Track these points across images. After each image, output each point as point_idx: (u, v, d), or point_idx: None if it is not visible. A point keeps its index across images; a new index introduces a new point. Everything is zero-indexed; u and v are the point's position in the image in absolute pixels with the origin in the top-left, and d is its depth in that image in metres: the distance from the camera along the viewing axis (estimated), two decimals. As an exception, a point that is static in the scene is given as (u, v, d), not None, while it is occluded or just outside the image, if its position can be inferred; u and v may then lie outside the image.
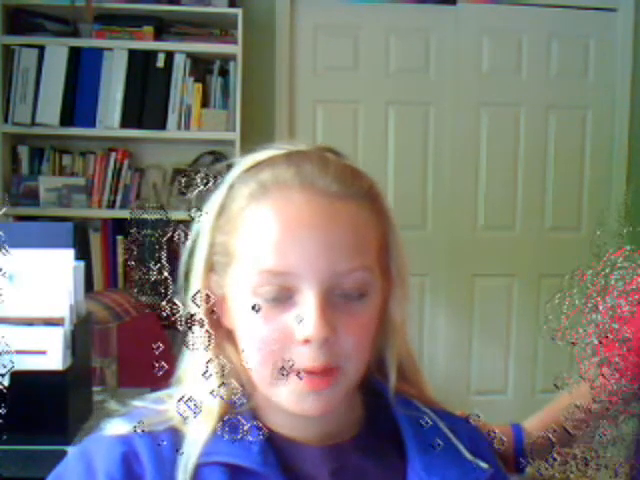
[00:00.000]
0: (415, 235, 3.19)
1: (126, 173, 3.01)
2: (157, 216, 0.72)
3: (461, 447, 0.75)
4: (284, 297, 0.67)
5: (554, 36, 3.37)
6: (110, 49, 2.93)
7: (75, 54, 2.91)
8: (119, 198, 2.98)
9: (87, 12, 2.87)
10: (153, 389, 0.76)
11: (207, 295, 0.70)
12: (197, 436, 0.68)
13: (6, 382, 0.69)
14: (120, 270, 3.00)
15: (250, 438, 0.68)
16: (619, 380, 0.76)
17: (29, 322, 1.32)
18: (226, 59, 3.04)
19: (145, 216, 0.72)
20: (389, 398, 0.77)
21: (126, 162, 3.02)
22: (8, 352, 0.69)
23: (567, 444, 0.75)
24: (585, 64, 3.41)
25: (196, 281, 0.71)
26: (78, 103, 2.92)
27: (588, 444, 0.75)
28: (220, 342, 0.71)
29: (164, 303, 0.68)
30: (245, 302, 0.68)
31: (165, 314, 0.68)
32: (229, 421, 0.69)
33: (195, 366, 0.70)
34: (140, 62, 2.94)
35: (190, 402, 0.68)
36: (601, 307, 0.75)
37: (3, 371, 0.69)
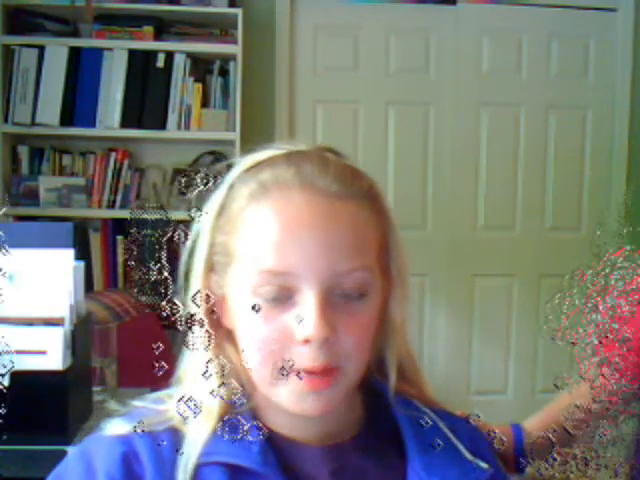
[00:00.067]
0: (415, 235, 3.19)
1: (126, 173, 3.01)
2: (157, 216, 0.72)
3: (461, 447, 0.75)
4: (284, 297, 0.67)
5: (554, 36, 3.37)
6: (110, 49, 2.93)
7: (75, 54, 2.91)
8: (119, 198, 2.98)
9: (87, 12, 2.87)
10: (153, 389, 0.76)
11: (207, 295, 0.70)
12: (197, 436, 0.68)
13: (6, 382, 0.69)
14: (120, 270, 3.00)
15: (250, 438, 0.68)
16: (619, 380, 0.76)
17: (29, 322, 1.32)
18: (226, 59, 3.04)
19: (145, 216, 0.72)
20: (389, 398, 0.77)
21: (126, 162, 3.02)
22: (8, 352, 0.69)
23: (567, 444, 0.75)
24: (585, 64, 3.41)
25: (196, 281, 0.71)
26: (78, 103, 2.92)
27: (588, 444, 0.75)
28: (220, 342, 0.71)
29: (164, 303, 0.68)
30: (245, 302, 0.67)
31: (165, 314, 0.68)
32: (229, 421, 0.69)
33: (195, 366, 0.70)
34: (140, 62, 2.94)
35: (190, 402, 0.68)
36: (601, 307, 0.75)
37: (3, 371, 0.69)
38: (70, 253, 1.41)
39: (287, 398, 0.68)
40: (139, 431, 0.69)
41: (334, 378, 0.67)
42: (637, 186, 3.21)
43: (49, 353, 1.31)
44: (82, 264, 1.47)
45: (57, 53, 2.89)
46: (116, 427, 0.70)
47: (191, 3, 2.97)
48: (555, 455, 0.73)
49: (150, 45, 2.96)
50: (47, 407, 1.32)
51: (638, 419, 0.95)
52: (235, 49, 2.96)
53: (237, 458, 0.67)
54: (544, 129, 3.41)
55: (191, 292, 0.70)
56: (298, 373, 0.66)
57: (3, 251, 0.66)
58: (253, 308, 0.67)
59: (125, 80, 2.92)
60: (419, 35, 3.32)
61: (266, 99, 3.20)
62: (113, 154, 3.01)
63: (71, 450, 0.74)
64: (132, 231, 0.71)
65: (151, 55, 2.95)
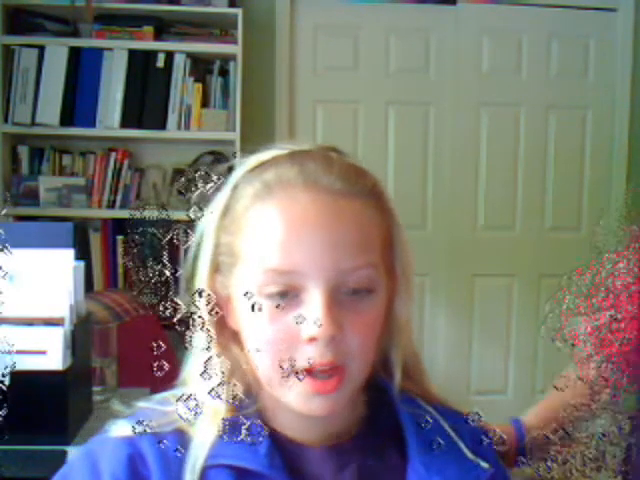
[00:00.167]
0: (415, 235, 3.19)
1: (126, 173, 3.01)
2: (158, 216, 0.72)
3: (462, 446, 0.75)
4: (290, 296, 0.67)
5: (554, 36, 3.37)
6: (110, 49, 2.93)
7: (75, 54, 2.91)
8: (119, 198, 2.98)
9: (87, 12, 2.87)
10: (153, 389, 0.76)
11: (212, 296, 0.70)
12: (204, 438, 0.68)
13: (6, 382, 0.69)
14: (120, 270, 3.00)
15: (256, 440, 0.68)
16: (619, 380, 0.76)
17: (29, 322, 1.32)
18: (226, 59, 3.04)
19: (146, 216, 0.72)
20: (393, 395, 0.77)
21: (126, 162, 3.02)
22: (9, 352, 0.69)
23: (565, 441, 0.75)
24: (585, 64, 3.41)
25: (201, 282, 0.71)
26: (78, 103, 2.92)
27: (588, 444, 0.75)
28: (226, 343, 0.71)
29: (166, 303, 0.68)
30: (251, 302, 0.67)
31: (167, 314, 0.68)
32: (235, 423, 0.68)
33: (200, 367, 0.70)
34: (140, 62, 2.94)
35: (195, 403, 0.68)
36: (601, 307, 0.75)
37: (4, 371, 0.69)
38: (70, 253, 1.41)
39: (295, 399, 0.68)
40: (145, 432, 0.68)
41: (340, 381, 0.67)
42: (637, 186, 3.21)
43: (49, 353, 1.31)
44: (82, 264, 1.47)
45: (57, 53, 2.89)
46: (121, 428, 0.70)
47: (191, 3, 2.97)
48: (555, 454, 0.73)
49: (150, 45, 2.96)
50: (47, 407, 1.32)
51: (637, 419, 0.95)
52: (235, 49, 2.96)
53: (244, 461, 0.67)
54: (544, 129, 3.41)
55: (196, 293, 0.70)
56: (305, 374, 0.66)
57: (5, 251, 0.66)
58: (252, 308, 0.67)
59: (125, 80, 2.92)
60: (419, 35, 3.32)
61: (266, 99, 3.20)
62: (113, 154, 3.01)
63: (72, 450, 0.74)
64: (133, 231, 0.71)
65: (151, 55, 2.95)
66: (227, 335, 0.72)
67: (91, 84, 2.92)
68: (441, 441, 0.73)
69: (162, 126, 2.95)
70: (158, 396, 0.75)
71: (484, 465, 0.74)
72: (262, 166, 0.71)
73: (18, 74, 2.88)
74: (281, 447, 0.70)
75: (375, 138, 3.31)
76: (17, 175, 2.97)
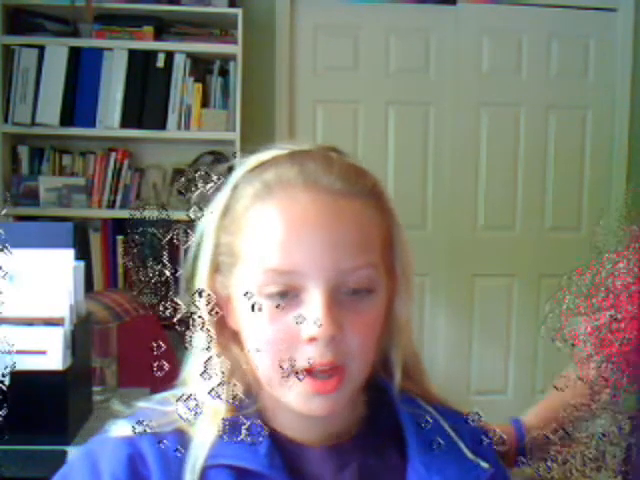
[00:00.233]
0: (415, 235, 3.19)
1: (126, 173, 3.01)
2: (158, 216, 0.72)
3: (463, 446, 0.75)
4: (290, 296, 0.67)
5: (554, 36, 3.37)
6: (110, 49, 2.93)
7: (75, 54, 2.91)
8: (119, 198, 2.98)
9: (87, 12, 2.87)
10: (153, 389, 0.76)
11: (212, 296, 0.70)
12: (204, 438, 0.68)
13: (6, 382, 0.69)
14: (120, 270, 3.00)
15: (256, 440, 0.68)
16: (619, 380, 0.76)
17: (29, 322, 1.32)
18: (226, 59, 3.04)
19: (146, 216, 0.72)
20: (393, 395, 0.77)
21: (126, 162, 3.02)
22: (10, 352, 0.69)
23: (565, 441, 0.75)
24: (585, 64, 3.41)
25: (201, 282, 0.71)
26: (78, 103, 2.92)
27: (588, 444, 0.75)
28: (226, 343, 0.71)
29: (166, 303, 0.68)
30: (251, 302, 0.67)
31: (167, 314, 0.68)
32: (235, 423, 0.68)
33: (200, 367, 0.70)
34: (140, 62, 2.94)
35: (195, 403, 0.68)
36: (601, 307, 0.75)
37: (4, 371, 0.69)
38: (70, 253, 1.41)
39: (295, 399, 0.68)
40: (145, 432, 0.68)
41: (340, 381, 0.67)
42: (637, 186, 3.21)
43: (49, 353, 1.31)
44: (82, 264, 1.47)
45: (57, 53, 2.89)
46: (121, 428, 0.70)
47: (191, 3, 2.97)
48: (555, 454, 0.73)
49: (150, 45, 2.96)
50: (47, 407, 1.32)
51: (637, 419, 0.95)
52: (235, 49, 2.96)
53: (244, 461, 0.67)
54: (544, 129, 3.41)
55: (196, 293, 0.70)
56: (305, 374, 0.66)
57: (5, 251, 0.66)
58: (252, 308, 0.67)
59: (125, 80, 2.92)
60: (419, 35, 3.32)
61: (266, 99, 3.20)
62: (113, 154, 3.01)
63: (72, 450, 0.74)
64: (133, 231, 0.71)
65: (151, 55, 2.95)
66: (227, 335, 0.71)
67: (91, 84, 2.92)
68: (441, 441, 0.73)
69: (162, 126, 2.95)
70: (158, 396, 0.75)
71: (484, 465, 0.74)
72: (262, 166, 0.71)
73: (18, 74, 2.88)
74: (281, 447, 0.70)
75: (375, 138, 3.31)
76: (17, 175, 2.97)
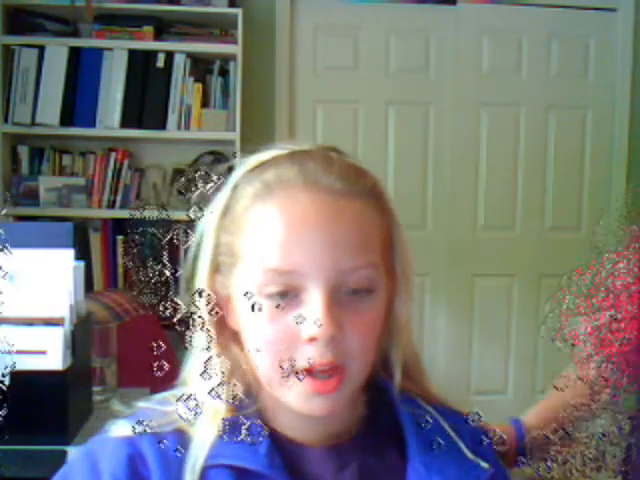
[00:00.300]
0: (415, 235, 3.19)
1: (126, 173, 3.01)
2: (158, 216, 0.72)
3: (463, 446, 0.75)
4: (290, 296, 0.67)
5: (554, 36, 3.37)
6: (110, 49, 2.93)
7: (75, 54, 2.91)
8: (119, 198, 2.98)
9: (87, 12, 2.87)
10: (153, 389, 0.76)
11: (212, 296, 0.70)
12: (204, 438, 0.68)
13: (6, 382, 0.69)
14: (120, 270, 3.00)
15: (256, 440, 0.68)
16: (619, 380, 0.76)
17: (29, 322, 1.32)
18: (226, 59, 3.04)
19: (146, 216, 0.72)
20: (392, 396, 0.77)
21: (126, 162, 3.02)
22: (10, 352, 0.69)
23: (565, 441, 0.75)
24: (585, 64, 3.41)
25: (201, 282, 0.71)
26: (78, 103, 2.92)
27: (588, 444, 0.75)
28: (226, 343, 0.71)
29: (166, 303, 0.68)
30: (251, 302, 0.67)
31: (167, 314, 0.68)
32: (235, 423, 0.68)
33: (201, 367, 0.70)
34: (140, 62, 2.94)
35: (195, 403, 0.68)
36: (601, 307, 0.75)
37: (4, 371, 0.69)
38: (70, 253, 1.41)
39: (295, 399, 0.68)
40: (145, 432, 0.68)
41: (340, 381, 0.67)
42: (637, 185, 3.21)
43: (49, 353, 1.31)
44: (82, 264, 1.47)
45: (57, 53, 2.89)
46: (121, 428, 0.70)
47: (191, 3, 2.97)
48: (555, 454, 0.73)
49: (150, 45, 2.96)
50: (47, 407, 1.32)
51: (637, 419, 0.95)
52: (235, 49, 2.96)
53: (244, 461, 0.67)
54: (544, 129, 3.41)
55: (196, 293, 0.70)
56: (305, 374, 0.66)
57: (5, 251, 0.66)
58: (252, 308, 0.67)
59: (125, 80, 2.92)
60: (419, 35, 3.32)
61: (266, 99, 3.20)
62: (113, 154, 3.01)
63: (72, 450, 0.74)
64: (134, 231, 0.71)
65: (151, 55, 2.95)
66: (227, 335, 0.71)
67: (91, 84, 2.92)
68: (441, 441, 0.73)
69: (162, 126, 2.95)
70: (158, 396, 0.75)
71: (484, 465, 0.74)
72: (262, 166, 0.71)
73: (18, 74, 2.88)
74: (281, 447, 0.70)
75: (375, 138, 3.31)
76: (17, 175, 2.97)
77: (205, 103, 3.00)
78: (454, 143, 3.35)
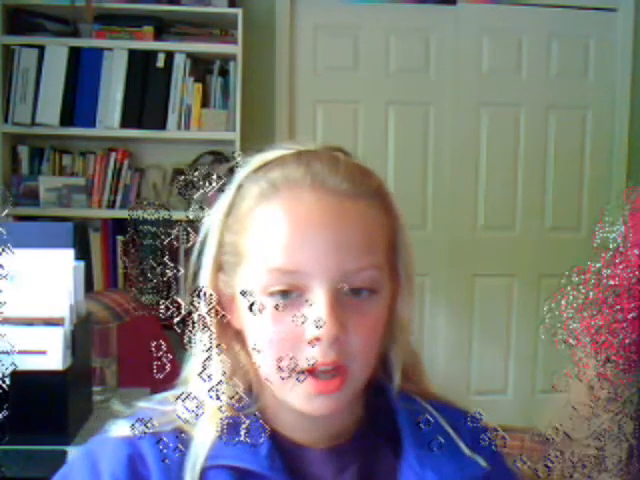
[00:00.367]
0: (415, 235, 3.14)
1: (126, 173, 3.01)
2: (158, 216, 0.72)
3: (460, 442, 0.74)
4: (294, 296, 0.67)
5: (554, 36, 3.37)
6: (110, 49, 2.93)
7: (75, 54, 2.91)
8: (119, 198, 2.98)
9: (87, 12, 2.87)
10: (153, 389, 0.75)
11: (215, 295, 0.70)
12: (204, 438, 0.68)
13: (7, 382, 0.69)
14: (120, 270, 3.00)
15: (257, 441, 0.68)
16: (619, 380, 0.76)
17: (29, 322, 1.32)
18: (226, 59, 3.04)
19: (146, 216, 0.72)
20: (391, 395, 0.77)
21: (126, 162, 3.02)
22: (10, 352, 0.69)
23: (566, 441, 0.75)
24: (585, 64, 3.41)
25: (204, 281, 0.71)
26: (78, 103, 2.92)
27: (588, 444, 0.75)
28: (228, 342, 0.71)
29: (167, 303, 0.68)
30: (254, 302, 0.67)
31: (169, 314, 0.68)
32: (236, 423, 0.68)
33: (201, 367, 0.70)
34: (140, 62, 2.94)
35: (196, 403, 0.68)
36: (601, 307, 0.75)
37: (4, 371, 0.69)
38: (70, 253, 1.41)
39: (297, 398, 0.68)
40: (145, 432, 0.68)
41: (343, 381, 0.67)
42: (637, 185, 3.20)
43: (49, 353, 1.31)
44: (82, 264, 1.47)
45: (57, 53, 2.89)
46: (121, 428, 0.70)
47: (191, 3, 2.97)
48: (555, 454, 0.73)
49: (150, 45, 2.96)
50: (47, 407, 1.32)
51: (637, 419, 0.95)
52: (235, 49, 2.96)
53: (244, 462, 0.67)
54: (544, 129, 3.41)
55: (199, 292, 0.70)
56: (308, 374, 0.66)
57: (7, 251, 0.66)
58: (251, 308, 0.66)
59: (125, 80, 2.92)
60: (419, 35, 3.32)
61: (266, 99, 3.20)
62: (113, 154, 3.01)
63: (72, 450, 0.74)
64: (136, 231, 0.71)
65: (151, 55, 2.95)
66: (230, 334, 0.71)
67: (91, 84, 2.92)
68: (441, 439, 0.73)
69: (162, 126, 2.95)
70: (158, 396, 0.75)
71: (481, 462, 0.74)
72: (268, 166, 0.71)
73: (18, 74, 2.88)
74: (282, 448, 0.70)
75: (375, 138, 3.31)
76: (17, 175, 2.97)
77: (205, 103, 3.00)
78: (454, 143, 3.36)
